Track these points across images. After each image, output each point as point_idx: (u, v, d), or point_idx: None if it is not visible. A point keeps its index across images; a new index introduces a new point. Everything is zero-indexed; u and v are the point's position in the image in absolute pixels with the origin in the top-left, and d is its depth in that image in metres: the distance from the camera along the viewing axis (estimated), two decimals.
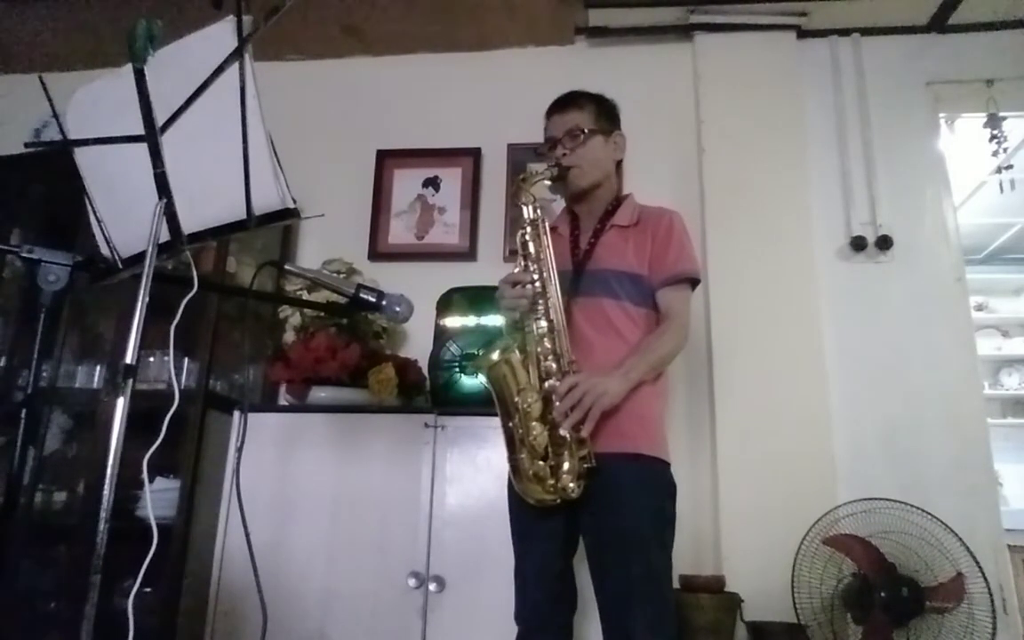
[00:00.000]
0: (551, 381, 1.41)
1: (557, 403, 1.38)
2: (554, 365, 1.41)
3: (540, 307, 1.44)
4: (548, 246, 1.49)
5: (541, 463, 1.38)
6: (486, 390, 1.47)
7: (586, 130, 1.60)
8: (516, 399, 1.40)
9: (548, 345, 1.43)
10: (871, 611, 1.78)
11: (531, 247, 1.49)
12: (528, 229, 1.50)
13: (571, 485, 1.36)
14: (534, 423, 1.39)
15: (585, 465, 1.37)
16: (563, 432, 1.37)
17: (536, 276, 1.46)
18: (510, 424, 1.41)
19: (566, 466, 1.37)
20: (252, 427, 1.89)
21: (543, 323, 1.44)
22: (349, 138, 2.77)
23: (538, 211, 1.51)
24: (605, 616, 1.37)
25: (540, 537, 1.44)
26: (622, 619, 1.33)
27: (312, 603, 1.83)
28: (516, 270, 1.50)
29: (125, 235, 1.16)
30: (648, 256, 1.56)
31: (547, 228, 1.52)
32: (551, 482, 1.37)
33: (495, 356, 1.41)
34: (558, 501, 1.37)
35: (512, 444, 1.41)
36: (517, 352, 1.42)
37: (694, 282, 1.59)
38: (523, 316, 1.45)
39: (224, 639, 1.82)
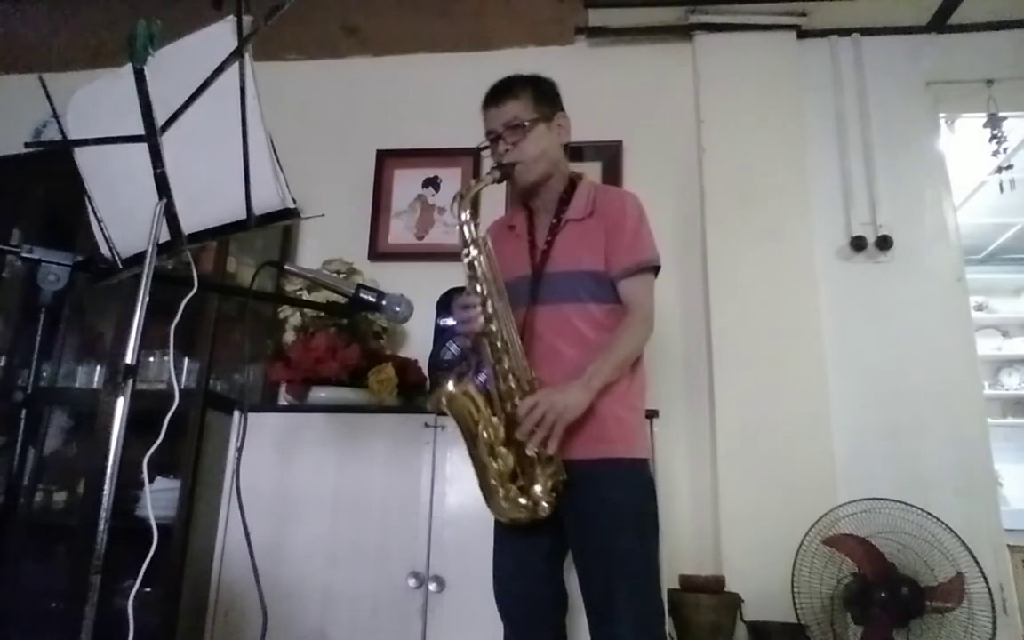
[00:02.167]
0: (513, 401, 1.37)
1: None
2: (513, 385, 1.38)
3: (493, 327, 1.40)
4: (494, 266, 1.44)
5: (511, 485, 1.37)
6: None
7: (526, 122, 1.52)
8: (479, 428, 1.38)
9: (505, 365, 1.39)
10: (871, 611, 1.78)
11: (477, 267, 1.43)
12: (472, 249, 1.44)
13: (543, 504, 1.36)
14: (500, 448, 1.38)
15: (558, 478, 1.36)
16: (530, 452, 1.35)
17: (485, 293, 1.41)
18: (475, 452, 1.39)
19: (537, 487, 1.36)
20: (252, 427, 1.89)
21: (498, 343, 1.40)
22: (349, 138, 2.77)
23: (478, 228, 1.46)
24: (592, 619, 1.37)
25: (521, 535, 1.43)
26: (608, 621, 1.33)
27: (312, 603, 1.83)
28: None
29: (125, 235, 1.16)
30: (604, 248, 1.50)
31: (490, 250, 1.45)
32: (523, 501, 1.37)
33: (451, 387, 1.37)
34: (531, 519, 1.37)
35: (480, 470, 1.40)
36: (473, 382, 1.39)
37: (656, 268, 1.53)
38: (478, 339, 1.41)
39: (224, 639, 1.83)
